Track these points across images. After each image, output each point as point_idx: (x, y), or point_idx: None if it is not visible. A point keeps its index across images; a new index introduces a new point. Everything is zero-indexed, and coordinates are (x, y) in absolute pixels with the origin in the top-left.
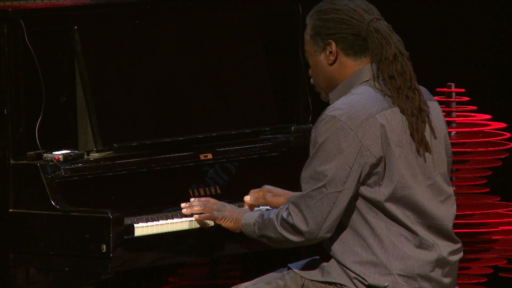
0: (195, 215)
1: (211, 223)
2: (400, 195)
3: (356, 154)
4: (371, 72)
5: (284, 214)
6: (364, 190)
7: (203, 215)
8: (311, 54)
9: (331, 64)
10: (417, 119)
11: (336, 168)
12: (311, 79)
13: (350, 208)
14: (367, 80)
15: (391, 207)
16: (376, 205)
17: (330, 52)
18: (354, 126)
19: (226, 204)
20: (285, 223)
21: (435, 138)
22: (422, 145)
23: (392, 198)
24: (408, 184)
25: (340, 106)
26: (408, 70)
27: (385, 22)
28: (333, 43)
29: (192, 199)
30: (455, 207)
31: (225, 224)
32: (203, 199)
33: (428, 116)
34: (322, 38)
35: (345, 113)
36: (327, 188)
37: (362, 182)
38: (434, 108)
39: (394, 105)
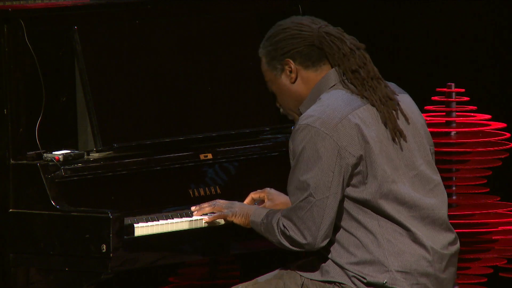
0: (205, 217)
1: (221, 221)
2: (387, 190)
3: (335, 157)
4: (335, 76)
5: (281, 225)
6: (350, 191)
7: (213, 215)
8: (273, 81)
9: (294, 82)
10: (386, 107)
11: (318, 175)
12: (280, 108)
13: (340, 211)
14: (334, 85)
15: (381, 204)
16: (365, 204)
17: (290, 71)
18: (329, 130)
19: (235, 202)
20: (284, 234)
21: (408, 124)
22: (396, 133)
23: (380, 194)
24: (392, 178)
25: (312, 113)
26: (368, 61)
27: (333, 27)
28: (291, 61)
29: (201, 204)
30: (445, 194)
31: (236, 220)
32: (211, 201)
33: (398, 104)
34: (279, 59)
35: (318, 118)
36: (314, 196)
37: (347, 183)
38: (406, 100)
39: (365, 103)
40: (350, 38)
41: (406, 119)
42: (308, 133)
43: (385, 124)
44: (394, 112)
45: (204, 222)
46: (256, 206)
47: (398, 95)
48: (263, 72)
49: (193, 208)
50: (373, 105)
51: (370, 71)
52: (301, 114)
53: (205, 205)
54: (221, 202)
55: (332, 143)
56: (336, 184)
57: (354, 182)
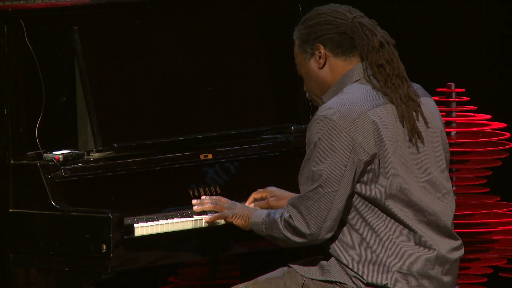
0: (205, 217)
1: (221, 221)
2: (396, 190)
3: (349, 152)
4: (362, 70)
5: (286, 215)
6: (360, 188)
7: (214, 215)
8: (302, 64)
9: (322, 68)
10: (407, 107)
11: (330, 168)
12: (306, 93)
13: (348, 206)
14: (359, 79)
15: (389, 204)
16: (373, 202)
17: (319, 56)
18: (346, 124)
19: (236, 202)
20: (288, 224)
21: (428, 127)
22: (414, 134)
23: (389, 194)
24: (403, 180)
25: (331, 106)
26: (395, 58)
27: (368, 19)
28: (321, 46)
29: (203, 197)
30: (454, 203)
31: (236, 221)
32: (214, 197)
33: (419, 106)
34: (310, 43)
35: (337, 112)
36: (324, 188)
37: (357, 180)
38: (429, 104)
39: (386, 101)
40: (382, 32)
41: (426, 123)
42: (325, 125)
43: (403, 124)
44: (414, 113)
45: (204, 222)
46: (257, 208)
47: (420, 98)
48: (294, 54)
49: (194, 201)
50: (393, 103)
51: (396, 69)
52: (323, 103)
53: (207, 201)
54: (223, 201)
55: (347, 138)
56: (347, 178)
57: (365, 179)
